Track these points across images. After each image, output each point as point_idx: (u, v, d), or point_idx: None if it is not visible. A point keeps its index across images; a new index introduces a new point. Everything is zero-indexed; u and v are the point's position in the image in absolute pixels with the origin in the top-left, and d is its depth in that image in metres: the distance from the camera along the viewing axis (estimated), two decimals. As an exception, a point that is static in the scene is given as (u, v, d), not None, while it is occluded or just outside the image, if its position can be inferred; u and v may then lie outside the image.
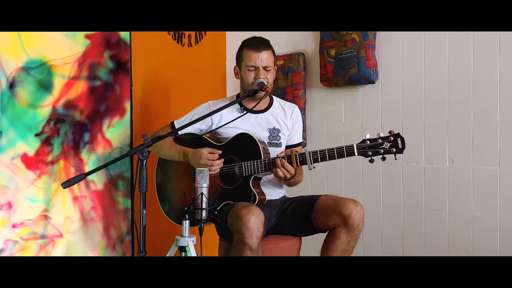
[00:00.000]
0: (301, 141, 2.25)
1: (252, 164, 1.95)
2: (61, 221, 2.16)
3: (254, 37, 2.11)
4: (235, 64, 2.14)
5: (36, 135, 2.07)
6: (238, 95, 2.19)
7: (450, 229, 2.34)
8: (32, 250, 2.07)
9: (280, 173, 1.90)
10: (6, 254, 1.98)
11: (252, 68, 2.03)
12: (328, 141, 2.71)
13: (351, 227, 1.85)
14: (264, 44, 2.06)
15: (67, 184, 1.59)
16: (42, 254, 2.09)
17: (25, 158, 2.03)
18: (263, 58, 2.03)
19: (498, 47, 2.18)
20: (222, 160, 1.98)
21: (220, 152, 1.98)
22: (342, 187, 2.68)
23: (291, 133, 2.19)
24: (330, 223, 1.90)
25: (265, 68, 2.03)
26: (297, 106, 2.25)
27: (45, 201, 2.10)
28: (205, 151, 1.97)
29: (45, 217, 2.11)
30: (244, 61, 2.06)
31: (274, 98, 2.22)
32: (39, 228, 2.09)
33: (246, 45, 2.08)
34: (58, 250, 2.15)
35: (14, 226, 2.00)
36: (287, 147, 2.19)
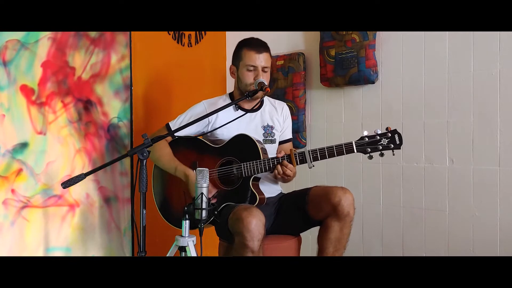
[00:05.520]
0: (291, 137, 2.29)
1: (251, 164, 1.96)
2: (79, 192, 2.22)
3: (253, 38, 2.13)
4: (232, 64, 2.16)
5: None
6: (230, 94, 2.22)
7: (450, 229, 2.34)
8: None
9: (281, 172, 1.91)
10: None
11: (252, 68, 2.05)
12: (328, 141, 2.71)
13: (341, 214, 1.88)
14: (264, 46, 2.10)
15: (67, 184, 1.59)
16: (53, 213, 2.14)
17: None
18: (262, 59, 2.06)
19: (498, 47, 2.18)
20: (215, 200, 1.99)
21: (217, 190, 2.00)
22: (342, 187, 2.68)
23: (283, 129, 2.23)
24: (322, 212, 1.93)
25: (263, 68, 2.06)
26: (285, 103, 2.30)
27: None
28: None
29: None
30: (243, 60, 2.07)
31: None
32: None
33: (246, 45, 2.09)
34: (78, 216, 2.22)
35: (12, 190, 2.00)
36: (280, 143, 2.22)
